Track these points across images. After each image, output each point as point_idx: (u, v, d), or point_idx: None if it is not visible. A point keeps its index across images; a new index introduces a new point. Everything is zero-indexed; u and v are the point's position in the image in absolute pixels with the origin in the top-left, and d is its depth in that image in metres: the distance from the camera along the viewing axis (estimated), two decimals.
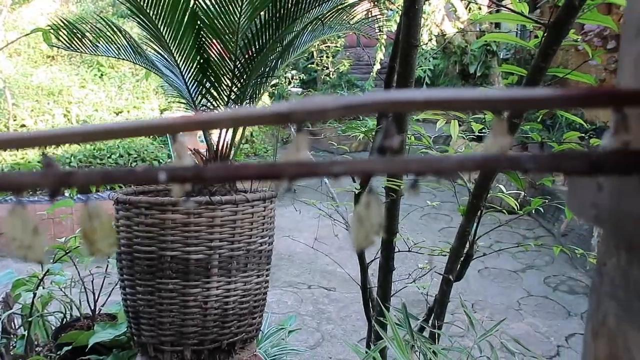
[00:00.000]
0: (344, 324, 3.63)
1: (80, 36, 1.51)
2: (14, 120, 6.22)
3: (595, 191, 0.34)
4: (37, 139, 0.29)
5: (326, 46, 9.77)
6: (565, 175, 0.30)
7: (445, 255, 1.59)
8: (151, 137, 6.61)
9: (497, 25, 7.27)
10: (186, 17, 1.34)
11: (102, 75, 7.41)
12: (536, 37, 1.13)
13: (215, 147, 1.57)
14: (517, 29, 6.44)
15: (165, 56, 1.54)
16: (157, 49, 1.55)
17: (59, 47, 1.55)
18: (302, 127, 0.31)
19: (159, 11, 1.31)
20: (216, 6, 1.32)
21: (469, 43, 7.51)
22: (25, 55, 7.52)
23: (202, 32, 1.40)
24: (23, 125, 6.25)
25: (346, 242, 2.86)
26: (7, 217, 0.30)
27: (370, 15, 1.96)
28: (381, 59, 7.52)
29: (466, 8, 6.81)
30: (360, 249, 0.32)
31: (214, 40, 1.42)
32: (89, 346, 1.67)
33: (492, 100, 0.28)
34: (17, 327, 2.28)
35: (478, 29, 7.43)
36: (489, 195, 1.56)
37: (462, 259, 1.50)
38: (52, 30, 1.56)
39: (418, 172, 0.29)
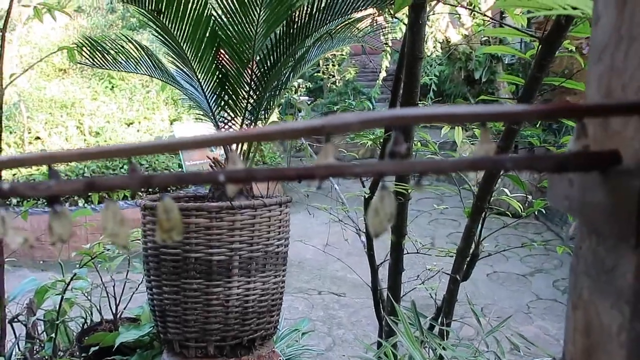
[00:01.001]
0: (355, 329, 3.68)
1: (103, 53, 1.61)
2: (29, 132, 6.37)
3: (568, 186, 0.42)
4: (126, 150, 0.38)
5: (332, 54, 9.86)
6: (539, 173, 0.38)
7: (453, 256, 1.66)
8: None
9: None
10: (207, 35, 1.44)
11: (113, 87, 7.56)
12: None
13: None
14: (521, 38, 6.50)
15: (186, 71, 1.64)
16: (178, 64, 1.65)
17: (84, 64, 1.64)
18: (330, 138, 0.39)
19: (182, 30, 1.41)
20: (234, 25, 1.41)
21: (474, 49, 7.58)
22: (38, 69, 7.68)
23: (221, 49, 1.50)
24: (37, 138, 6.40)
25: (356, 247, 2.93)
26: (102, 210, 0.38)
27: (375, 24, 2.04)
28: (386, 67, 7.61)
29: (470, 15, 6.89)
30: (377, 234, 0.39)
31: (232, 56, 1.52)
32: (115, 346, 1.75)
33: (479, 115, 0.36)
34: (40, 332, 2.36)
35: (482, 36, 7.49)
36: (495, 198, 1.64)
37: (468, 259, 1.56)
38: (77, 48, 1.65)
39: (422, 172, 0.37)
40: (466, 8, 5.31)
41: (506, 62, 7.78)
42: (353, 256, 3.76)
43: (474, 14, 6.52)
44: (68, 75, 7.72)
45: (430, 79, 7.72)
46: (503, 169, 0.34)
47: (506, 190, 1.88)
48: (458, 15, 6.93)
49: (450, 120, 0.37)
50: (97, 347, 1.81)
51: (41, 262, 5.18)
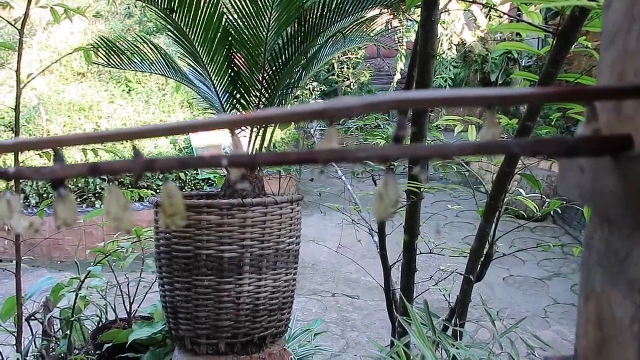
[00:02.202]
0: (369, 331, 3.66)
1: (119, 53, 1.64)
2: (48, 135, 6.48)
3: (579, 173, 0.41)
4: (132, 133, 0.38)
5: (346, 57, 9.87)
6: (548, 158, 0.37)
7: (466, 257, 1.64)
8: (177, 148, 6.78)
9: (518, 33, 7.26)
10: (219, 34, 1.45)
11: (129, 90, 7.66)
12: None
13: None
14: (538, 37, 6.43)
15: (199, 70, 1.66)
16: (191, 63, 1.67)
17: (99, 64, 1.67)
18: (333, 122, 0.38)
19: (195, 30, 1.43)
20: (245, 23, 1.42)
21: (490, 51, 7.52)
22: (57, 73, 7.82)
23: (232, 48, 1.51)
24: None
25: (369, 249, 2.92)
26: (105, 195, 0.38)
27: (390, 27, 2.03)
28: (401, 69, 7.58)
29: (486, 17, 6.84)
30: (381, 220, 0.39)
31: (244, 55, 1.53)
32: (128, 343, 1.77)
33: (485, 97, 0.36)
34: (56, 330, 2.40)
35: (499, 37, 7.43)
36: (511, 198, 1.61)
37: (482, 259, 1.54)
38: (93, 49, 1.68)
39: (427, 156, 0.37)
40: (481, 5, 5.27)
41: (523, 65, 7.70)
42: (367, 258, 3.74)
43: (490, 15, 6.47)
44: (86, 79, 7.85)
45: (445, 81, 7.67)
46: (510, 153, 0.33)
47: (522, 190, 1.86)
48: (474, 17, 6.88)
49: (456, 103, 0.37)
50: (110, 345, 1.84)
51: (59, 262, 5.27)
